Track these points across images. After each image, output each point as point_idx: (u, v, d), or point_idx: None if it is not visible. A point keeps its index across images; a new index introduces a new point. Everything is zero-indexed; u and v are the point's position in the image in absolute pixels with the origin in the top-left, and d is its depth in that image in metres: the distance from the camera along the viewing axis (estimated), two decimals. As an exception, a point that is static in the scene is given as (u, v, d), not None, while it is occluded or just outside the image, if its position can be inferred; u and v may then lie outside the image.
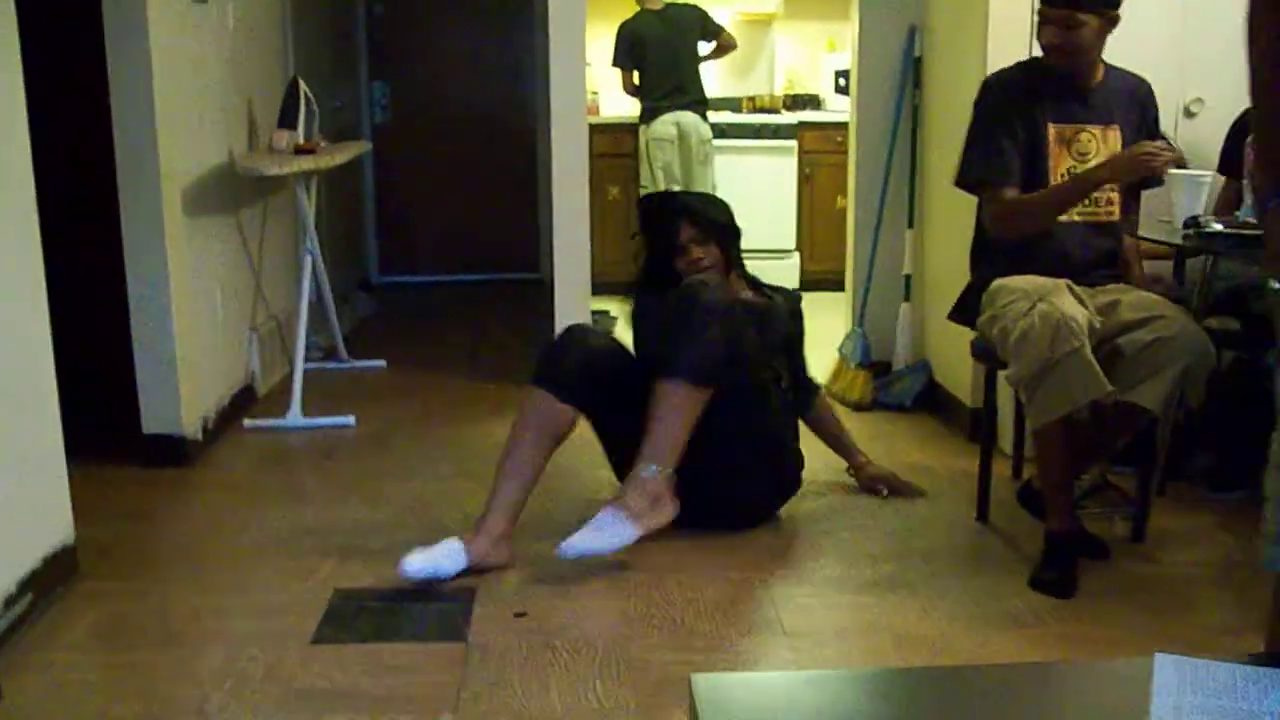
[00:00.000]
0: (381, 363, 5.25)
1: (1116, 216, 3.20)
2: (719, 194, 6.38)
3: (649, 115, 6.36)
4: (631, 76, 6.39)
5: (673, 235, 3.41)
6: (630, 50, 6.34)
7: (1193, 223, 3.16)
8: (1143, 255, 3.44)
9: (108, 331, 3.84)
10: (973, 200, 3.33)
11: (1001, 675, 1.47)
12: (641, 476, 2.98)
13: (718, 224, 3.47)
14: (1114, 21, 3.07)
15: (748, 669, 2.59)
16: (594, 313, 4.84)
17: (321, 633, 2.72)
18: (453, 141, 7.36)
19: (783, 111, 7.07)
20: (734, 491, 3.17)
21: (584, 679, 2.50)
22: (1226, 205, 3.46)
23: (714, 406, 3.04)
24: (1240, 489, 3.54)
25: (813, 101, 7.20)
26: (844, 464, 3.70)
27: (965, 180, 3.28)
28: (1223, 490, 3.55)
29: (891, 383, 4.63)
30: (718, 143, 6.51)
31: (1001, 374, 3.06)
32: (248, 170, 4.19)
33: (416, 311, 6.80)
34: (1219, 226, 3.09)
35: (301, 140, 4.50)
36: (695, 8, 6.47)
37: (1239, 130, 3.46)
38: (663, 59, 6.32)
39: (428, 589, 2.90)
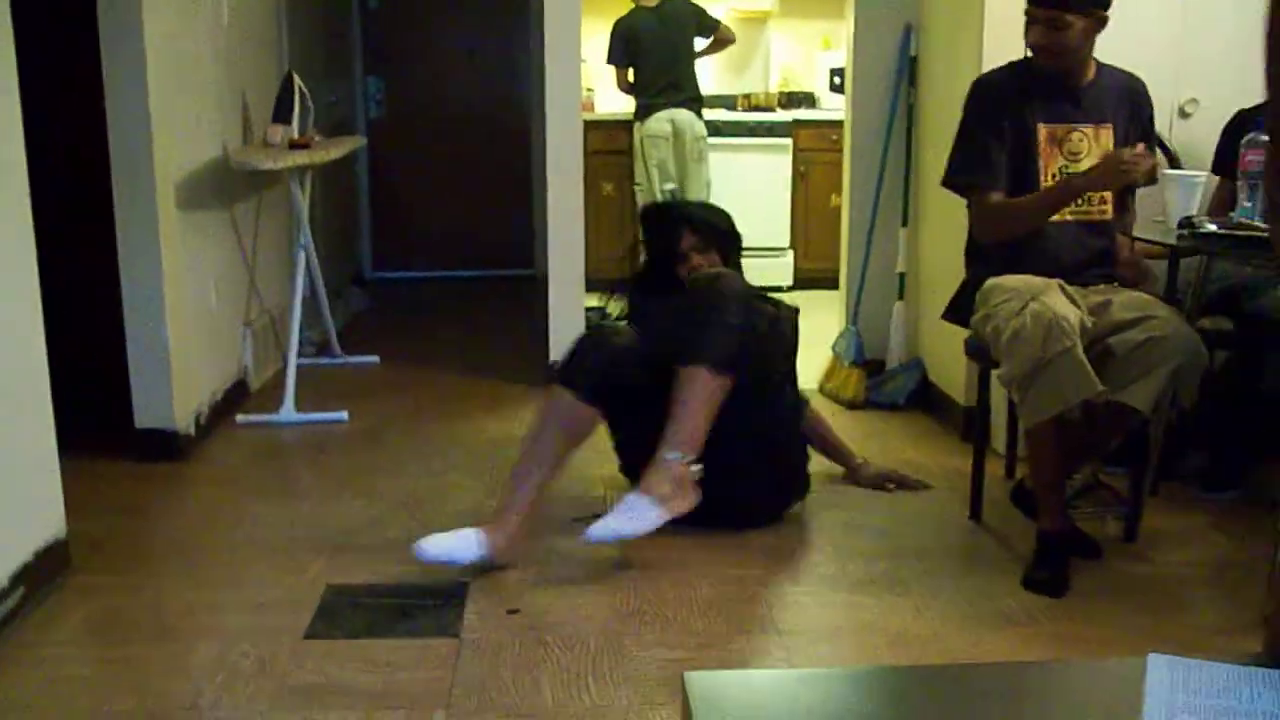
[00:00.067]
0: (375, 358, 5.24)
1: (1109, 215, 3.20)
2: (713, 191, 6.43)
3: (644, 112, 6.35)
4: (626, 74, 6.39)
5: (674, 242, 3.44)
6: (625, 48, 6.33)
7: (1187, 223, 3.17)
8: (1137, 254, 3.45)
9: (101, 326, 3.84)
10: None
11: (994, 674, 1.47)
12: (666, 461, 2.97)
13: (719, 232, 3.50)
14: (1102, 22, 3.07)
15: (741, 667, 2.60)
16: (587, 309, 4.84)
17: (314, 628, 2.72)
18: (447, 137, 7.36)
19: (777, 109, 7.07)
20: (735, 491, 3.17)
21: (577, 676, 2.50)
22: (1220, 206, 3.47)
23: (722, 406, 3.05)
24: (1233, 489, 3.55)
25: (808, 99, 7.20)
26: (835, 466, 3.71)
27: (951, 181, 3.30)
28: (1215, 490, 3.55)
29: (885, 381, 4.63)
30: (712, 140, 6.50)
31: (994, 373, 3.07)
32: (242, 165, 4.18)
33: (410, 307, 6.80)
34: (1213, 227, 3.10)
35: (296, 135, 4.49)
36: (691, 4, 6.46)
37: (1233, 131, 3.46)
38: (658, 56, 6.31)
39: (421, 584, 2.90)
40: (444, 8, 7.29)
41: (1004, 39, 3.73)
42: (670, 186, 6.39)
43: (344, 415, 4.37)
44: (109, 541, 3.22)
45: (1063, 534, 3.03)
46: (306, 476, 3.92)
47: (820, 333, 4.81)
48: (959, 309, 3.33)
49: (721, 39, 6.54)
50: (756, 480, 3.27)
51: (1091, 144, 3.16)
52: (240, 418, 4.32)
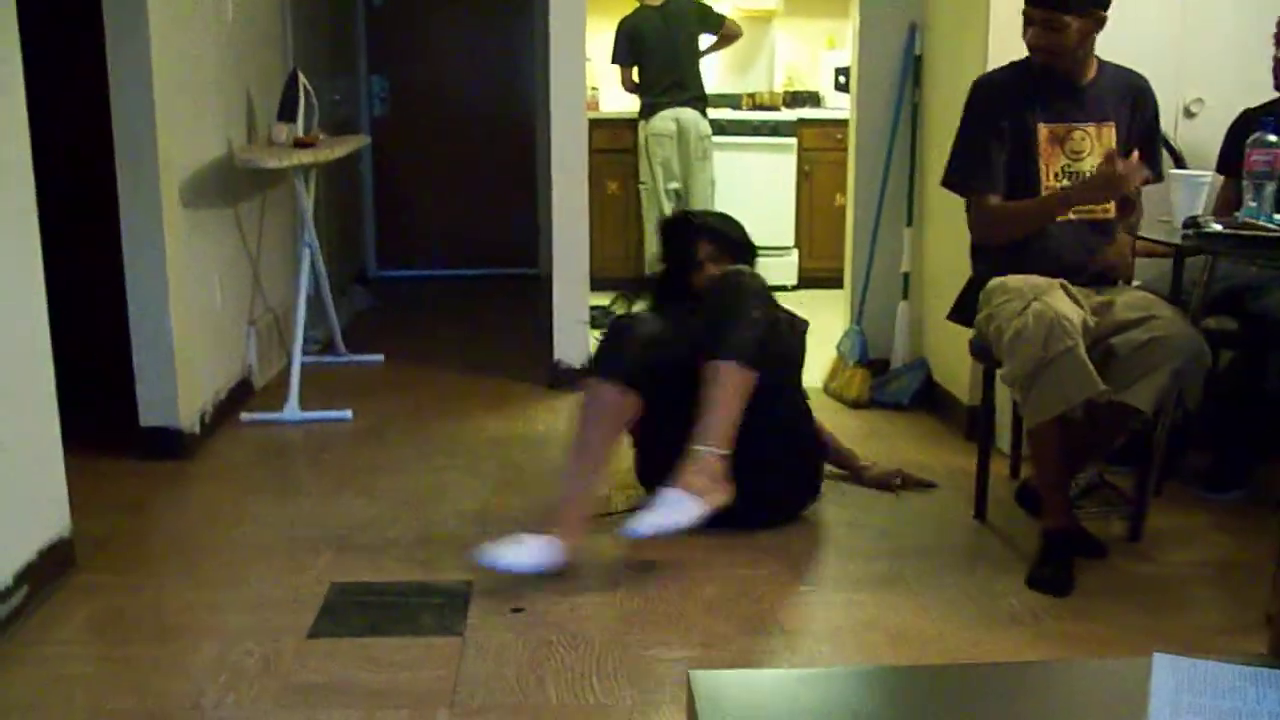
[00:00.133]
0: (379, 357, 5.24)
1: (1113, 215, 3.20)
2: (717, 190, 6.43)
3: (648, 111, 6.35)
4: (631, 73, 6.39)
5: (691, 251, 3.46)
6: (630, 47, 6.33)
7: (1192, 223, 3.16)
8: (1137, 253, 3.45)
9: (106, 324, 3.84)
10: (972, 199, 3.33)
11: (998, 674, 1.47)
12: (701, 455, 2.96)
13: (735, 242, 3.53)
14: (1100, 22, 3.07)
15: (745, 666, 2.59)
16: (592, 308, 4.84)
17: (318, 627, 2.72)
18: (451, 136, 7.36)
19: (782, 108, 7.07)
20: (765, 485, 3.17)
21: (581, 675, 2.50)
22: (1225, 205, 3.46)
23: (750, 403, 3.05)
24: (1237, 489, 3.54)
25: (812, 99, 7.19)
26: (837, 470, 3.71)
27: (950, 182, 3.32)
28: (1219, 491, 3.55)
29: (889, 381, 4.63)
30: (717, 139, 6.50)
31: (997, 372, 3.07)
32: (246, 163, 4.18)
33: (414, 306, 6.80)
34: (1218, 227, 3.09)
35: (301, 133, 4.49)
36: (695, 2, 6.45)
37: (1238, 130, 3.45)
38: (662, 55, 6.31)
39: (424, 583, 2.91)
40: (448, 6, 7.29)
41: (1009, 38, 3.72)
42: (674, 185, 6.39)
43: (348, 414, 4.37)
44: (113, 540, 3.22)
45: (1067, 533, 3.03)
46: (310, 475, 3.92)
47: (825, 332, 4.79)
48: (964, 310, 3.33)
49: (728, 34, 6.53)
50: (784, 475, 3.28)
51: (1094, 143, 3.16)
52: (244, 416, 4.32)
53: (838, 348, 4.81)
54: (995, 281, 3.10)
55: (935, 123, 4.47)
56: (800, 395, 3.46)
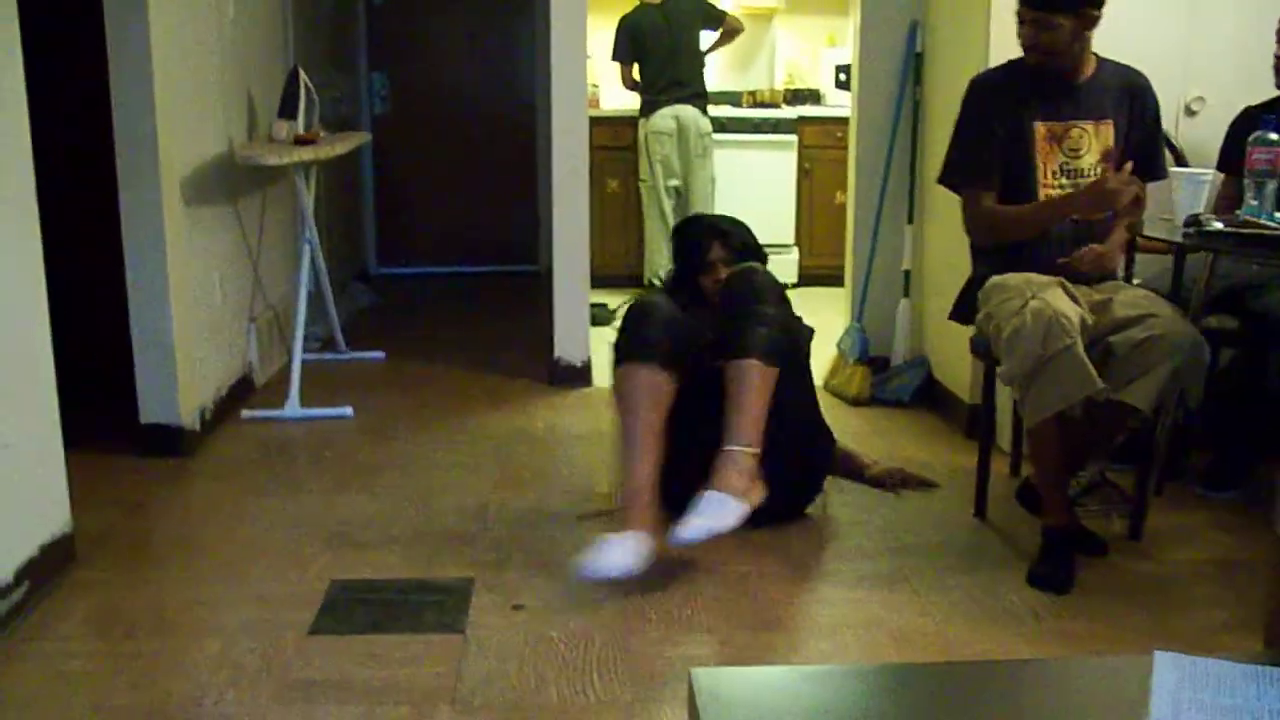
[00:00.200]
0: (380, 354, 5.25)
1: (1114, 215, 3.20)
2: (718, 188, 6.43)
3: (648, 109, 6.35)
4: (631, 71, 6.38)
5: (703, 254, 3.47)
6: (630, 44, 6.32)
7: (1193, 221, 3.16)
8: (1143, 250, 3.45)
9: (106, 321, 3.84)
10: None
11: (999, 671, 1.47)
12: (736, 455, 2.95)
13: (746, 245, 3.53)
14: (1093, 21, 3.06)
15: (746, 663, 2.59)
16: (592, 305, 4.84)
17: (319, 624, 2.72)
18: (452, 133, 7.35)
19: (783, 106, 7.06)
20: (770, 484, 3.17)
21: (582, 671, 2.50)
22: (1227, 203, 3.46)
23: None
24: (1237, 488, 3.54)
25: (813, 96, 7.19)
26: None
27: (945, 180, 3.33)
28: (1219, 489, 3.55)
29: (889, 378, 4.63)
30: (717, 137, 6.50)
31: (996, 371, 3.07)
32: (247, 160, 4.18)
33: (415, 303, 6.79)
34: (1219, 225, 3.09)
35: (301, 131, 4.49)
36: (696, -1, 6.46)
37: (1239, 128, 3.45)
38: (663, 53, 6.31)
39: (426, 580, 2.91)
40: (449, 3, 7.28)
41: (1009, 36, 3.71)
42: (675, 183, 6.39)
43: (349, 411, 4.37)
44: (113, 537, 3.23)
45: (1067, 531, 3.03)
46: (311, 472, 3.92)
47: (825, 330, 4.78)
48: (964, 308, 3.33)
49: (730, 29, 6.52)
50: (788, 473, 3.29)
51: (1091, 140, 3.16)
52: (245, 413, 4.32)
53: (838, 345, 4.81)
54: (994, 280, 3.10)
55: (936, 120, 4.47)
56: (807, 394, 3.46)
